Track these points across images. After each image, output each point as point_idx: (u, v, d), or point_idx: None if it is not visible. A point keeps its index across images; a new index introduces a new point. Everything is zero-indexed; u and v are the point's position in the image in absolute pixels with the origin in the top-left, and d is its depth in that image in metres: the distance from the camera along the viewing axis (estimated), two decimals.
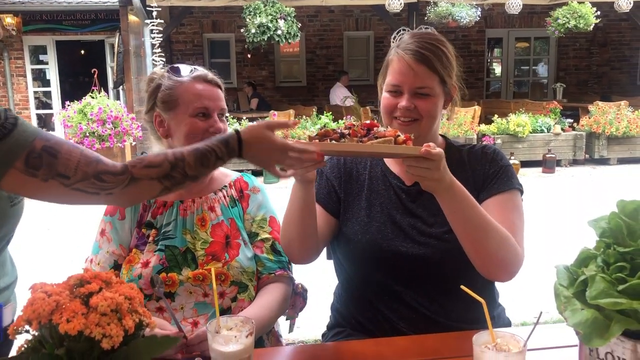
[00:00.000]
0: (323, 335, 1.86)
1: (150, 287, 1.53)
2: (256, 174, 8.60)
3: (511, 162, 7.59)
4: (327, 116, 9.22)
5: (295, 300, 1.76)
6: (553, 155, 8.89)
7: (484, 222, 1.42)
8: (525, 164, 8.90)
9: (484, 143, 1.72)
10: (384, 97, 1.60)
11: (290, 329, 1.83)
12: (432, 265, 1.56)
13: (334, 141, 1.29)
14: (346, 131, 1.31)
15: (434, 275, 1.58)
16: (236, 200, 1.71)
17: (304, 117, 9.49)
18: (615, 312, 0.99)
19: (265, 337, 1.71)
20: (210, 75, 1.65)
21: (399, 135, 1.31)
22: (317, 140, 1.30)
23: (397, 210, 1.63)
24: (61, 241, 5.68)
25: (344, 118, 9.32)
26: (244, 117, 9.56)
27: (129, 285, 0.93)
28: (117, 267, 1.61)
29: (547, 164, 8.85)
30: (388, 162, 1.71)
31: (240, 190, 1.73)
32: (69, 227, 6.09)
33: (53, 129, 12.49)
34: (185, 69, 1.64)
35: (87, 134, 7.42)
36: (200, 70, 1.65)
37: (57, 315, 0.83)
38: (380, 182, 1.68)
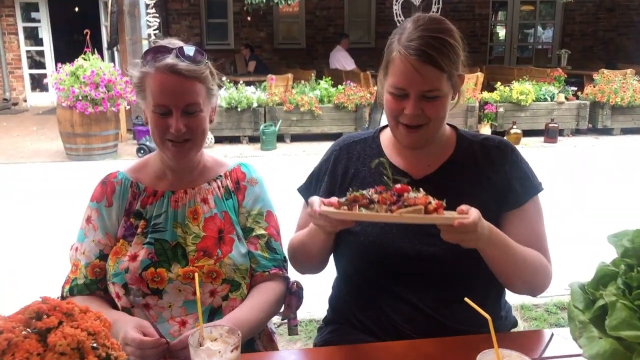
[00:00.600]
0: (319, 329, 1.78)
1: (137, 283, 1.44)
2: (253, 140, 8.51)
3: (513, 131, 7.47)
4: (326, 81, 9.01)
5: (290, 299, 1.66)
6: (556, 125, 8.73)
7: (521, 258, 1.42)
8: (527, 133, 8.75)
9: (494, 136, 1.63)
10: (387, 98, 1.46)
11: (291, 332, 1.73)
12: (440, 266, 1.47)
13: (363, 209, 1.26)
14: (375, 197, 1.28)
15: (442, 276, 1.48)
16: (231, 191, 1.59)
17: (302, 81, 9.28)
18: (639, 344, 0.89)
19: (257, 336, 1.63)
20: (181, 64, 1.40)
21: (429, 203, 1.26)
22: (345, 208, 1.28)
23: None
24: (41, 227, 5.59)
25: (344, 83, 9.11)
26: (241, 81, 9.33)
27: (94, 314, 0.82)
28: (102, 257, 1.52)
29: (550, 134, 8.70)
30: (391, 154, 1.59)
31: (237, 181, 1.61)
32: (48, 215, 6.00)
33: (47, 90, 12.26)
34: (159, 53, 1.43)
35: (80, 98, 7.21)
36: (169, 58, 1.41)
37: (9, 357, 0.72)
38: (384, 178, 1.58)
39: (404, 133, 1.47)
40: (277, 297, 1.57)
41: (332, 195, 1.55)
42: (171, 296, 1.47)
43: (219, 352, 1.10)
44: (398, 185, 1.31)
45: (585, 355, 0.92)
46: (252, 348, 1.59)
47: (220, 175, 1.60)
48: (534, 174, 1.56)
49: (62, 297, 1.52)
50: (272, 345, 1.67)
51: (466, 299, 1.17)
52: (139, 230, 1.51)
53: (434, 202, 1.27)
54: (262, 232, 1.58)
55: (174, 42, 1.48)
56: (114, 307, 1.52)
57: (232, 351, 1.10)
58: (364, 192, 1.34)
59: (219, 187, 1.58)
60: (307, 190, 1.66)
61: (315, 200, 1.30)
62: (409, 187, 1.30)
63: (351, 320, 1.61)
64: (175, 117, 1.42)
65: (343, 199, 1.30)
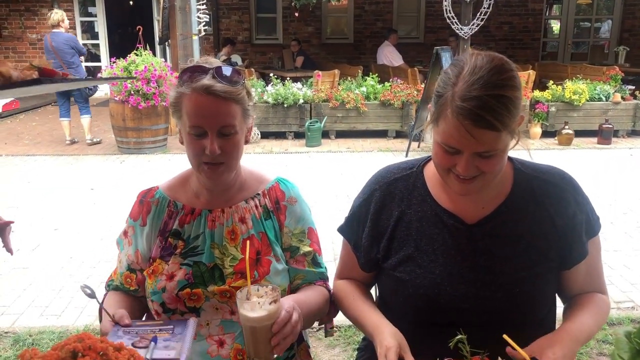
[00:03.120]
0: (359, 350, 1.78)
1: (174, 302, 1.48)
2: (298, 135, 8.55)
3: (565, 131, 7.23)
4: (372, 78, 8.95)
5: (330, 308, 1.68)
6: (610, 126, 8.40)
7: (592, 334, 1.42)
8: (580, 133, 8.45)
9: (553, 171, 1.49)
10: (437, 151, 1.33)
11: (327, 334, 1.74)
12: (496, 318, 1.37)
13: None
14: None
15: (496, 325, 1.32)
16: (270, 212, 1.58)
17: (349, 77, 9.25)
18: None
19: (296, 350, 1.65)
20: (217, 85, 1.38)
21: None
22: None
23: (454, 258, 1.42)
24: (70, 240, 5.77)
25: (391, 80, 9.04)
26: (288, 77, 9.38)
27: (128, 352, 0.86)
28: (132, 270, 1.58)
29: (604, 135, 8.37)
30: (439, 195, 1.47)
31: (277, 200, 1.60)
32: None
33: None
34: (195, 73, 1.41)
35: (132, 92, 7.43)
36: (206, 79, 1.39)
37: None
38: (432, 224, 1.46)
39: (455, 182, 1.34)
40: (326, 299, 1.59)
41: (375, 242, 1.51)
42: (208, 314, 1.50)
43: (259, 303, 1.25)
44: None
45: None
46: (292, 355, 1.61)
47: (259, 194, 1.59)
48: (593, 210, 1.47)
49: (106, 287, 1.64)
50: None
51: (507, 340, 1.14)
52: (178, 250, 1.52)
53: None
54: (308, 249, 1.59)
55: (211, 61, 1.47)
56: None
57: (270, 303, 1.25)
58: None
59: (256, 206, 1.57)
60: (348, 231, 1.60)
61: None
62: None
63: None
64: (210, 138, 1.40)
65: None
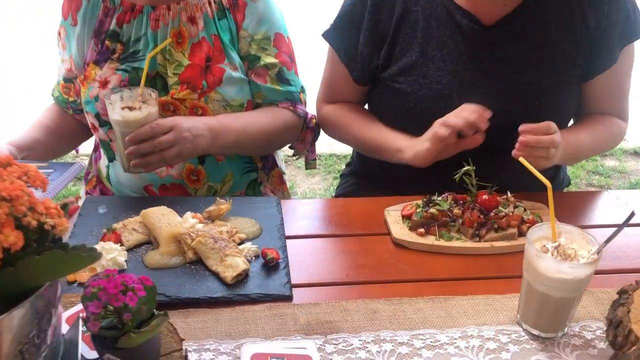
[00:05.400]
0: (342, 175, 1.59)
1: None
2: None
3: None
4: None
5: (305, 134, 1.44)
6: None
7: (591, 150, 1.32)
8: None
9: None
10: None
11: (308, 166, 1.52)
12: (511, 138, 1.17)
13: (443, 235, 1.09)
14: (457, 212, 1.10)
15: (509, 147, 1.14)
16: (226, 9, 1.27)
17: None
18: None
19: (265, 177, 1.44)
20: None
21: (523, 221, 1.09)
22: (422, 230, 1.10)
23: (467, 66, 1.19)
24: None
25: None
26: None
27: (20, 169, 0.60)
28: (67, 80, 1.37)
29: None
30: None
31: None
32: None
33: None
34: None
35: None
36: None
37: None
38: (442, 24, 1.20)
39: None
40: (287, 125, 1.35)
41: (375, 48, 1.25)
42: None
43: (128, 107, 1.12)
44: (485, 196, 1.10)
45: None
46: (258, 191, 1.41)
47: None
48: (637, 9, 1.20)
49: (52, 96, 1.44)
50: (282, 188, 1.49)
51: (522, 160, 0.93)
52: (116, 55, 1.26)
53: (529, 215, 1.10)
54: (272, 60, 1.30)
55: None
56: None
57: (134, 109, 1.12)
58: (439, 199, 1.10)
59: (210, 3, 1.26)
60: (338, 37, 1.32)
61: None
62: (498, 199, 1.10)
63: (379, 176, 1.40)
64: None
65: (417, 216, 1.09)
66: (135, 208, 1.12)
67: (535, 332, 0.88)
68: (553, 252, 0.84)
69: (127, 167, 1.18)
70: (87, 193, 1.43)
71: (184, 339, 0.80)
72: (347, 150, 3.29)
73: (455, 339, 0.89)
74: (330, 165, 3.14)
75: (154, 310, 0.72)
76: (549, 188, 0.87)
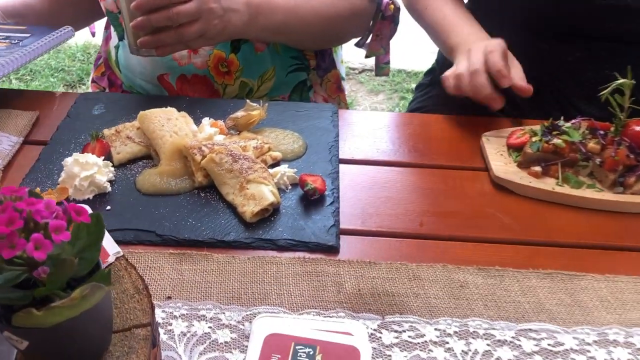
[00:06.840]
0: (417, 87, 1.24)
1: None
2: None
3: None
4: None
5: (382, 27, 1.09)
6: None
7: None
8: None
9: None
10: None
11: (380, 71, 1.17)
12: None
13: (572, 176, 0.74)
14: (595, 147, 0.74)
15: None
16: None
17: None
18: None
19: (319, 81, 1.10)
20: None
21: None
22: (538, 169, 0.75)
23: None
24: None
25: None
26: None
27: None
28: None
29: None
30: None
31: None
32: None
33: None
34: None
35: None
36: None
37: None
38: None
39: None
40: (351, 6, 0.99)
41: None
42: None
43: None
44: (639, 127, 0.74)
45: None
46: (307, 97, 1.08)
47: None
48: None
49: None
50: (339, 97, 1.15)
51: None
52: None
53: None
54: None
55: None
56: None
57: None
58: (567, 125, 0.77)
59: None
60: None
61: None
62: None
63: None
64: None
65: (532, 147, 0.75)
66: (142, 109, 0.81)
67: None
68: None
69: (133, 46, 0.87)
70: (92, 81, 1.13)
71: (154, 305, 0.51)
72: (419, 66, 2.89)
73: (589, 343, 0.56)
74: (398, 83, 2.73)
75: (101, 263, 0.42)
76: None
